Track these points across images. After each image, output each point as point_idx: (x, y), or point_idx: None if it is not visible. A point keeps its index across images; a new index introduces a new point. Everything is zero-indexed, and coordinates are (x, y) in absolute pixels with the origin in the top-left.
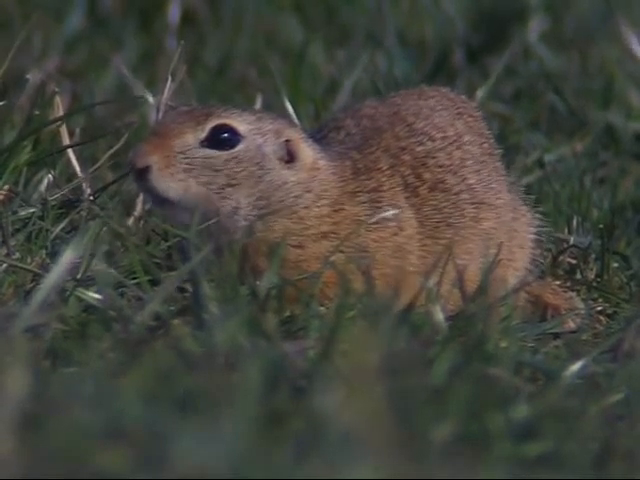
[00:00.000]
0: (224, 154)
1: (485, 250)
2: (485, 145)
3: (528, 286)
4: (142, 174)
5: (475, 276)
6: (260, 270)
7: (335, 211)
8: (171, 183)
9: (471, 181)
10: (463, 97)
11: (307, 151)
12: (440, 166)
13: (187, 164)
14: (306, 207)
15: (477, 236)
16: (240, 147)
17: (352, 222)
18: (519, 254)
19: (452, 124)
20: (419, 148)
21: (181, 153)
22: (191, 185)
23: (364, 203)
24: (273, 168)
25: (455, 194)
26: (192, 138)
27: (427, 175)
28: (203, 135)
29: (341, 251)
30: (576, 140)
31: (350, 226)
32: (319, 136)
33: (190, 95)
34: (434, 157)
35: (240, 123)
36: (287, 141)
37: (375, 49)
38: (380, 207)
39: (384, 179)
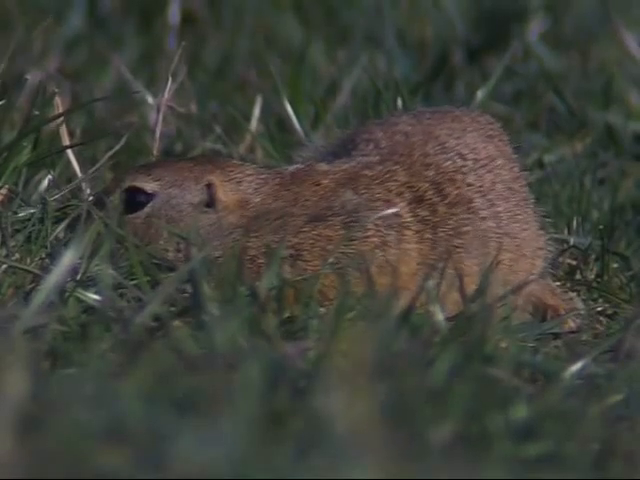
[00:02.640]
0: (140, 215)
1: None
2: (515, 170)
3: (527, 287)
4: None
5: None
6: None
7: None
8: None
9: (499, 209)
10: (489, 118)
11: (228, 192)
12: (469, 185)
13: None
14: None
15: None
16: (152, 204)
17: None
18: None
19: (484, 147)
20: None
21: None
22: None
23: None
24: (187, 214)
25: (481, 218)
26: (114, 206)
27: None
28: (117, 202)
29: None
30: (576, 141)
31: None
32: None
33: (190, 95)
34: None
35: (148, 183)
36: (209, 185)
37: (375, 49)
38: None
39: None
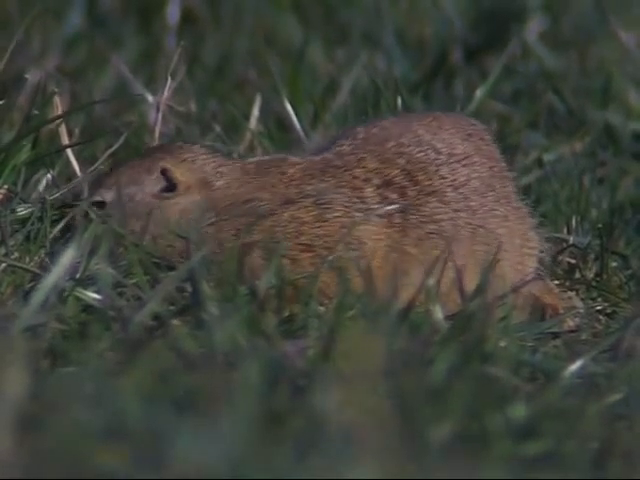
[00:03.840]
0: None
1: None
2: (495, 169)
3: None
4: None
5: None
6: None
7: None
8: None
9: (473, 203)
10: (473, 120)
11: (185, 172)
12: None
13: None
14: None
15: (471, 257)
16: (117, 212)
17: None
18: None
19: (461, 143)
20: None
21: None
22: None
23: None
24: (154, 206)
25: (454, 210)
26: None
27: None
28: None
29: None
30: (575, 140)
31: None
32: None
33: (189, 95)
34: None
35: (104, 193)
36: (164, 171)
37: (374, 49)
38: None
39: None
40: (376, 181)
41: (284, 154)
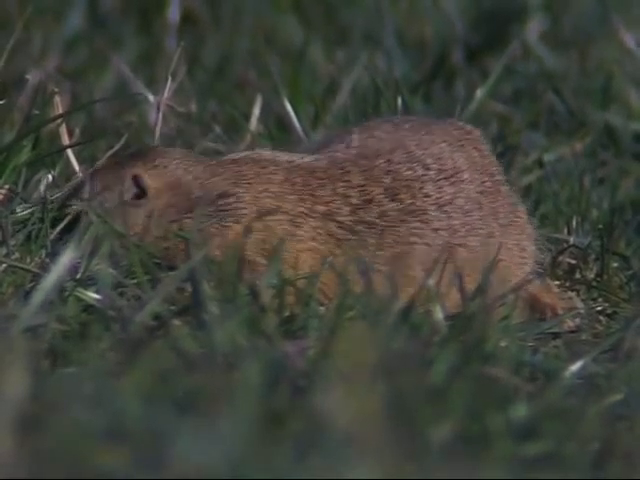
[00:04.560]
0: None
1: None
2: (487, 183)
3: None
4: None
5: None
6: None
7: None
8: None
9: (455, 222)
10: (469, 127)
11: (156, 178)
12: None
13: None
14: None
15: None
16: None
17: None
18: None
19: (451, 157)
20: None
21: None
22: None
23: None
24: (128, 212)
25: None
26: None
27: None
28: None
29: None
30: (575, 140)
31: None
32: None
33: (190, 95)
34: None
35: (81, 203)
36: (134, 177)
37: (374, 49)
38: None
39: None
40: (355, 200)
41: (257, 150)
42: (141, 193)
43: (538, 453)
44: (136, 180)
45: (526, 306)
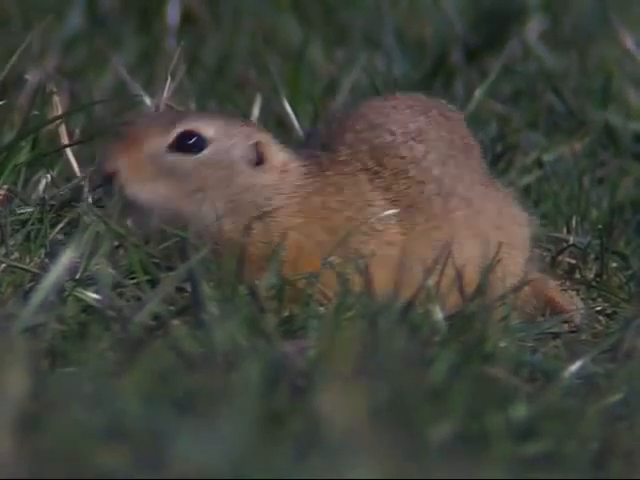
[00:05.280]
0: (191, 159)
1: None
2: (457, 142)
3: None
4: (110, 178)
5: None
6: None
7: (306, 205)
8: (139, 187)
9: (436, 172)
10: (439, 100)
11: (276, 153)
12: (401, 157)
13: (155, 169)
14: (277, 208)
15: (448, 225)
16: (207, 151)
17: (321, 210)
18: (507, 253)
19: (414, 120)
20: (377, 140)
21: (149, 157)
22: (159, 189)
23: (331, 193)
24: (242, 171)
25: (419, 182)
26: (160, 143)
27: (388, 163)
28: (170, 140)
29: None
30: (575, 140)
31: (320, 213)
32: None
33: (189, 95)
34: (395, 148)
35: (207, 128)
36: (257, 144)
37: (374, 49)
38: (344, 192)
39: (345, 168)
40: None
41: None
42: (258, 161)
43: (538, 453)
44: (258, 147)
45: (542, 307)
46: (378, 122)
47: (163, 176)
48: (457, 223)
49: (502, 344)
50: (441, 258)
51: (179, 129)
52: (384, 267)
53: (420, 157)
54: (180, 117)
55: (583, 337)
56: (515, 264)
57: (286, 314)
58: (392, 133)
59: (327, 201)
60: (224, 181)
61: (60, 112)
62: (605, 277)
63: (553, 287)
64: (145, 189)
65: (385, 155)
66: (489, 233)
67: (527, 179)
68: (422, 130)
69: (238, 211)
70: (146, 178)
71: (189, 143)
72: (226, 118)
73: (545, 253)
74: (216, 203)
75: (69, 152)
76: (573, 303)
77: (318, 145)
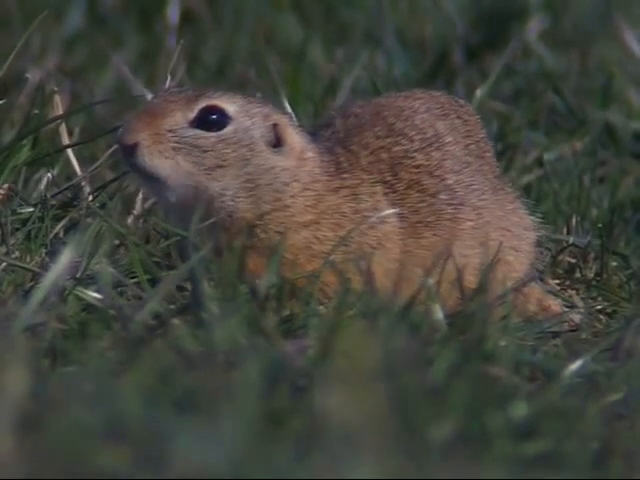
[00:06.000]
0: (213, 135)
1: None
2: (472, 147)
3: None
4: (130, 151)
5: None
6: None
7: (319, 202)
8: (159, 161)
9: (450, 182)
10: (457, 99)
11: (295, 137)
12: (416, 167)
13: (176, 143)
14: (292, 196)
15: (457, 236)
16: (229, 129)
17: (334, 213)
18: (513, 256)
19: (432, 125)
20: (396, 148)
21: (170, 132)
22: (179, 163)
23: (346, 196)
24: (261, 151)
25: (431, 195)
26: (181, 118)
27: (403, 174)
28: (192, 115)
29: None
30: (575, 139)
31: (332, 217)
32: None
33: None
34: (411, 157)
35: (229, 105)
36: (275, 125)
37: (374, 48)
38: (360, 201)
39: (364, 175)
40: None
41: None
42: (276, 143)
43: (538, 452)
44: (276, 128)
45: (535, 311)
46: (398, 127)
47: (183, 151)
48: (465, 235)
49: (502, 343)
50: (440, 261)
51: (202, 105)
52: (388, 278)
53: (435, 165)
54: (203, 93)
55: (583, 336)
56: (520, 267)
57: (286, 313)
58: (410, 140)
59: (341, 205)
60: (242, 160)
61: (61, 111)
62: (605, 276)
63: (538, 291)
64: (165, 163)
65: (401, 165)
66: (496, 239)
67: (527, 178)
68: (439, 135)
69: (255, 192)
70: (166, 152)
71: (211, 119)
72: (248, 97)
73: (545, 253)
74: (234, 181)
75: (69, 152)
76: (558, 304)
77: (334, 139)
